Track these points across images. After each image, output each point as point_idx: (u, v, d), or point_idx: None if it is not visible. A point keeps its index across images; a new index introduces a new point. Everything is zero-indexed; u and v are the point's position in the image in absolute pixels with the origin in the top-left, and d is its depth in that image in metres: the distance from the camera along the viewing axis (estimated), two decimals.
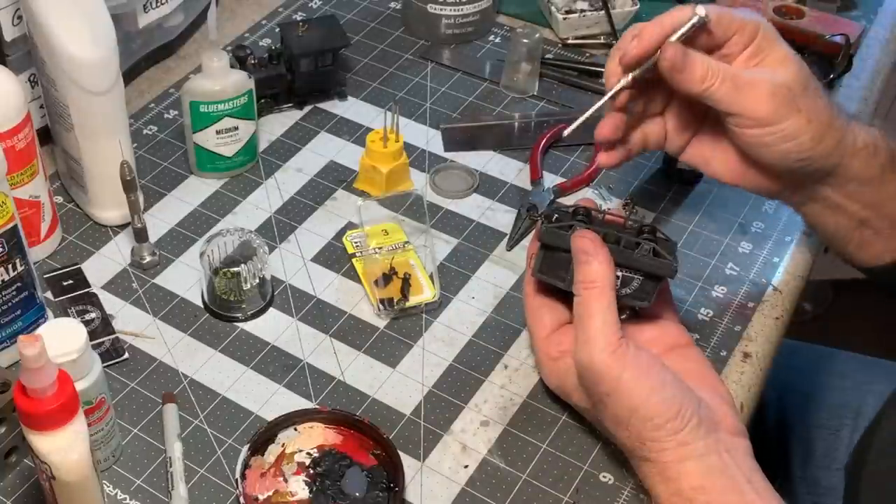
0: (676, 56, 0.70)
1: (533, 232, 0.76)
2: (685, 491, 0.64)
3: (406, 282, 0.84)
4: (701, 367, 0.70)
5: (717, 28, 0.72)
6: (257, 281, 0.81)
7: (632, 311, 0.72)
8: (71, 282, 0.83)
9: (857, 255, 0.81)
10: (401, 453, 0.71)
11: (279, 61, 0.98)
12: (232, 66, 0.91)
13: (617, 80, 0.74)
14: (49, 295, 0.82)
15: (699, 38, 0.72)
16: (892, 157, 0.76)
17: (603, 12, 1.10)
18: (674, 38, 0.72)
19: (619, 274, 0.69)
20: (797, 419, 1.06)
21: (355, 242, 0.88)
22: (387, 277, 0.84)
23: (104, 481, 0.70)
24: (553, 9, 1.11)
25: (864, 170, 0.75)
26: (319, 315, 0.83)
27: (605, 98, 0.74)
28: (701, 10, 0.71)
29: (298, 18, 1.13)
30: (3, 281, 0.72)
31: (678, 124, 0.78)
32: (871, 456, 0.78)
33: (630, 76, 0.73)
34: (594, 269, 0.67)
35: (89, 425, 0.63)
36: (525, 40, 1.02)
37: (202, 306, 0.83)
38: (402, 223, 0.90)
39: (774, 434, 1.06)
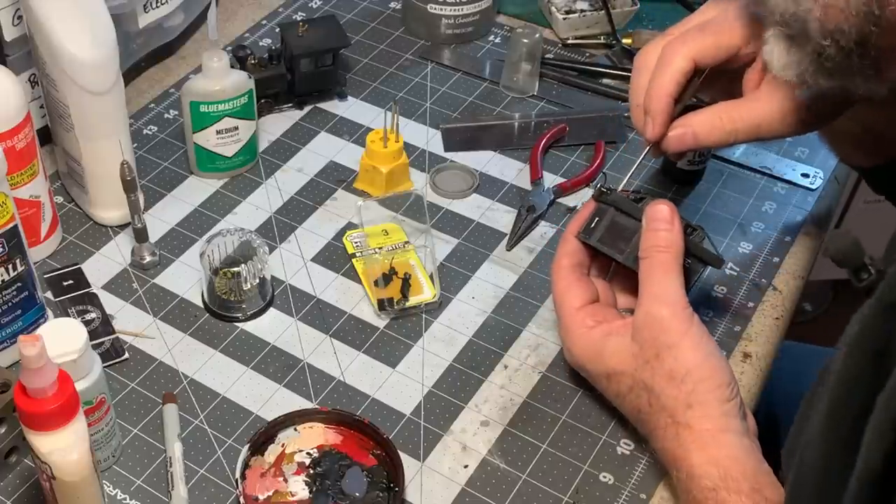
0: (684, 148, 0.72)
1: (584, 203, 0.77)
2: (721, 459, 0.65)
3: (406, 282, 0.84)
4: None
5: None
6: (257, 281, 0.81)
7: None
8: (71, 282, 0.83)
9: (850, 156, 0.84)
10: (401, 453, 0.71)
11: (279, 61, 0.98)
12: (232, 66, 0.91)
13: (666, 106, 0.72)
14: (49, 295, 0.82)
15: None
16: None
17: (603, 12, 1.10)
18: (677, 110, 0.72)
19: None
20: (786, 420, 1.06)
21: (355, 242, 0.88)
22: (387, 277, 0.84)
23: (104, 481, 0.70)
24: (553, 9, 1.11)
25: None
26: (319, 315, 0.83)
27: (641, 156, 0.75)
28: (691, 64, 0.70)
29: (298, 18, 1.13)
30: (3, 281, 0.72)
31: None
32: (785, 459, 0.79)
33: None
34: (667, 235, 0.69)
35: (89, 425, 0.63)
36: (525, 40, 1.02)
37: (202, 306, 0.83)
38: (402, 223, 0.90)
39: (763, 435, 1.06)
